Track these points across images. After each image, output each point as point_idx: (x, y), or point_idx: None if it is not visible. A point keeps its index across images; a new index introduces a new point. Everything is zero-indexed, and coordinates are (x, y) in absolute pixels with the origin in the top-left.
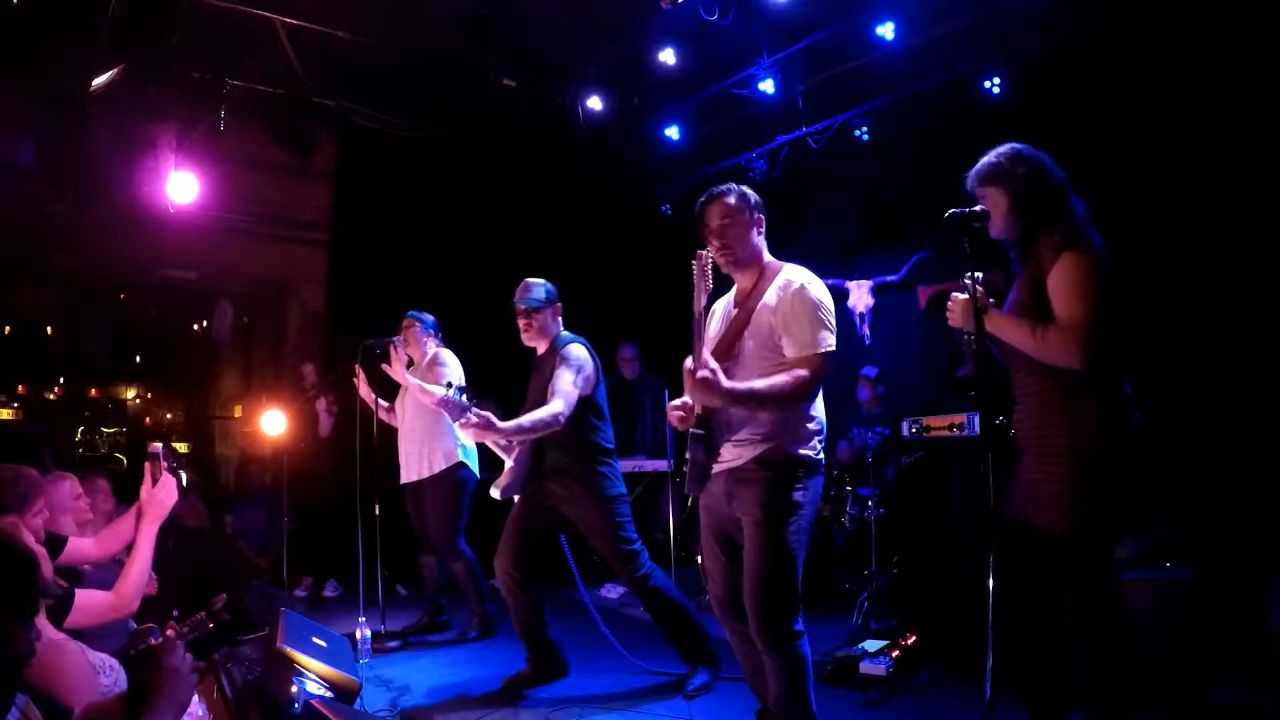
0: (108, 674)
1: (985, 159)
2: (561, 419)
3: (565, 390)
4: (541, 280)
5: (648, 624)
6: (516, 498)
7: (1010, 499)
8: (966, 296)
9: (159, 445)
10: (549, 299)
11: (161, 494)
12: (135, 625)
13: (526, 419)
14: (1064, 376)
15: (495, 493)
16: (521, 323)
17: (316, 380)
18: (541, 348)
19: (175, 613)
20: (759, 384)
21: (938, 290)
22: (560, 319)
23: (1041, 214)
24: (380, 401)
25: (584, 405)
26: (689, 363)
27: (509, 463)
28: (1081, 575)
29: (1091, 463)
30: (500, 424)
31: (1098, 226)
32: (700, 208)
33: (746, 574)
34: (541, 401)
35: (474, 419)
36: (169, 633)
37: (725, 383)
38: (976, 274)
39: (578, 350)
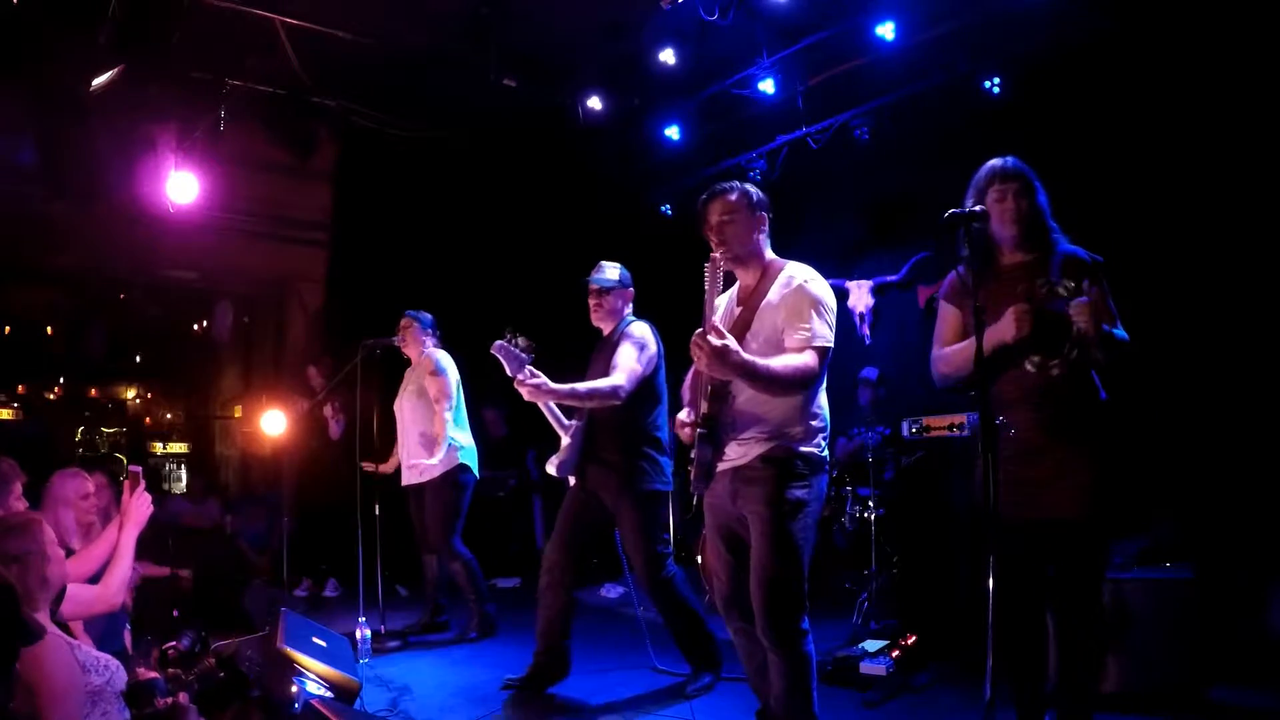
0: (99, 673)
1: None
2: (621, 393)
3: (628, 365)
4: (616, 263)
5: (648, 624)
6: (572, 481)
7: (1012, 499)
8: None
9: (139, 467)
10: (620, 282)
11: (141, 504)
12: (129, 625)
13: (582, 385)
14: (1082, 376)
15: (551, 469)
16: (592, 302)
17: (322, 383)
18: (607, 329)
19: (175, 613)
20: (774, 361)
21: (938, 290)
22: (631, 305)
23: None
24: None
25: (640, 386)
26: (698, 336)
27: (565, 440)
28: (1089, 565)
29: (1109, 453)
30: (553, 385)
31: (1099, 228)
32: (702, 204)
33: (753, 571)
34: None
35: (529, 376)
36: (181, 698)
37: (742, 355)
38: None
39: (642, 329)
